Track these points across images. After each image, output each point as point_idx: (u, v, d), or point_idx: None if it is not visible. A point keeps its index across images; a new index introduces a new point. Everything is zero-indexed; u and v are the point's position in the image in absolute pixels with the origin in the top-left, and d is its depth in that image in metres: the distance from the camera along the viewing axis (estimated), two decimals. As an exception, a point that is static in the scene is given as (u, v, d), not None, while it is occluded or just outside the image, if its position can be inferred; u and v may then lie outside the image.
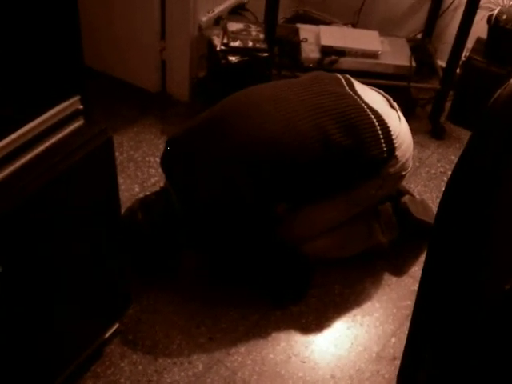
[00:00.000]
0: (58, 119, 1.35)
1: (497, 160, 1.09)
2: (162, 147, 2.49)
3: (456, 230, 1.28)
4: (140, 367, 1.85)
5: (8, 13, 1.18)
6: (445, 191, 1.28)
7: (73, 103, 1.37)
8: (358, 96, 2.01)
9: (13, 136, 1.28)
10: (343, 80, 2.08)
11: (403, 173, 2.04)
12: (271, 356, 1.91)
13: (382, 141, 1.94)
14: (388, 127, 1.96)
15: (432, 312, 1.42)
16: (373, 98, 2.06)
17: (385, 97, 2.13)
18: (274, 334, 1.96)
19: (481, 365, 1.40)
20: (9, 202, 1.27)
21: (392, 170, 1.98)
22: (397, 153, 1.97)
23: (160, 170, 2.36)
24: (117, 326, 1.90)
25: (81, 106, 1.39)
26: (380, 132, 1.94)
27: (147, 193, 2.27)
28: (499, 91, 1.09)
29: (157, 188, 2.26)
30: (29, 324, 1.47)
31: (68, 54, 1.32)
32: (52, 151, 1.34)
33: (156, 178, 2.40)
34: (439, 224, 1.30)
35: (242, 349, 1.92)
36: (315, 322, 2.01)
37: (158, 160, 2.45)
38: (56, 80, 1.32)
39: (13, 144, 1.28)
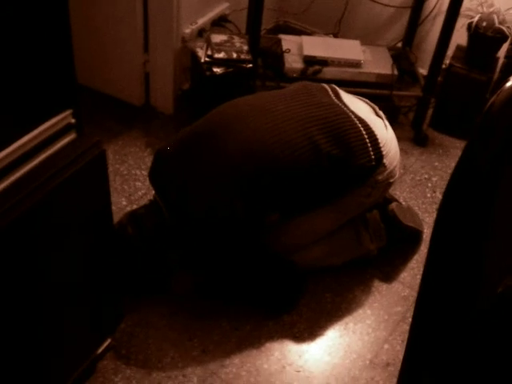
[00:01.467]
0: (50, 133, 1.34)
1: (495, 166, 1.10)
2: (147, 160, 2.50)
3: (454, 234, 1.29)
4: (134, 382, 1.83)
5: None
6: (443, 198, 1.29)
7: (65, 117, 1.36)
8: (345, 105, 2.03)
9: (6, 151, 1.26)
10: (329, 90, 2.09)
11: (391, 180, 2.05)
12: (265, 366, 1.90)
13: (370, 149, 1.96)
14: (375, 135, 1.98)
15: (431, 317, 1.43)
16: (359, 107, 2.08)
17: (371, 106, 2.15)
18: (267, 345, 1.96)
19: (479, 368, 1.41)
20: (3, 216, 1.25)
21: (380, 177, 2.00)
22: (385, 160, 1.99)
23: (147, 182, 2.37)
24: (109, 341, 1.88)
25: (73, 120, 1.38)
26: (368, 140, 1.96)
27: (135, 206, 2.26)
28: (493, 98, 1.10)
29: (144, 201, 2.25)
30: (21, 341, 1.45)
31: (60, 68, 1.31)
32: (46, 165, 1.33)
33: (143, 191, 2.39)
34: (438, 229, 1.31)
35: (236, 360, 1.91)
36: (308, 331, 2.01)
37: (144, 173, 2.45)
38: (48, 94, 1.31)
39: (6, 159, 1.27)
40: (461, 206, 1.20)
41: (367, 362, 1.95)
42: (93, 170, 1.41)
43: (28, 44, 1.24)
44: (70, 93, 1.36)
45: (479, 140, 1.10)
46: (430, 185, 2.59)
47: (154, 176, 2.00)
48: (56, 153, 1.36)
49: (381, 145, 1.97)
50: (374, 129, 1.99)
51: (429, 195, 2.53)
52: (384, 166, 1.99)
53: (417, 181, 2.61)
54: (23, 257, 1.34)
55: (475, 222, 1.20)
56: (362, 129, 1.95)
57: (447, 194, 1.20)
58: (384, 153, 1.98)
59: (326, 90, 2.07)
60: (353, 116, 1.97)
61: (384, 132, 2.03)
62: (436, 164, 2.69)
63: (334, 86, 2.12)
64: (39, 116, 1.32)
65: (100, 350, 1.85)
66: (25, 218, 1.29)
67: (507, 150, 1.08)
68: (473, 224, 1.21)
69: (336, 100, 2.03)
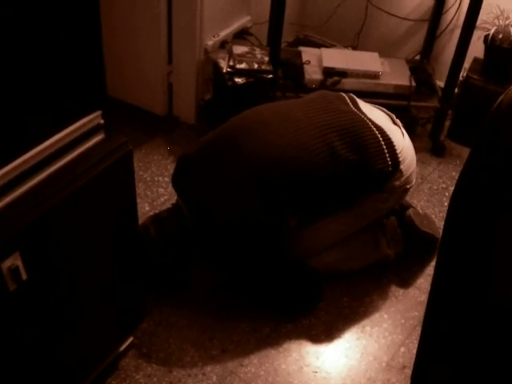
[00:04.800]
0: (80, 133, 1.41)
1: (504, 164, 1.14)
2: (170, 168, 2.56)
3: (464, 237, 1.32)
4: (155, 379, 1.88)
5: (34, 32, 1.24)
6: (452, 196, 1.33)
7: (95, 118, 1.43)
8: (363, 113, 2.08)
9: (38, 149, 1.33)
10: (347, 98, 2.14)
11: (408, 186, 2.10)
12: (283, 367, 1.95)
13: (387, 155, 2.01)
14: (392, 142, 2.03)
15: (443, 316, 1.46)
16: (376, 115, 2.13)
17: (388, 114, 2.20)
18: (285, 346, 2.00)
19: (490, 365, 1.44)
20: (33, 213, 1.31)
21: (397, 183, 2.04)
22: (401, 166, 2.03)
23: (169, 189, 2.43)
24: (131, 339, 1.94)
25: (102, 121, 1.45)
26: (384, 147, 2.01)
27: (157, 211, 2.32)
28: (501, 97, 1.14)
29: (167, 206, 2.31)
30: (46, 337, 1.51)
31: (90, 70, 1.38)
32: (75, 163, 1.40)
33: (165, 197, 2.45)
34: (448, 232, 1.34)
35: (255, 360, 1.95)
36: (325, 334, 2.05)
37: (166, 180, 2.52)
38: (79, 96, 1.38)
39: (37, 157, 1.33)
40: (469, 204, 1.24)
41: (383, 365, 1.98)
42: (120, 168, 1.48)
43: (61, 48, 1.31)
44: (100, 95, 1.43)
45: (488, 137, 1.14)
46: (447, 194, 2.62)
47: (177, 180, 2.06)
48: (85, 151, 1.43)
49: (398, 151, 2.02)
50: (391, 136, 2.03)
51: (446, 204, 2.56)
52: (401, 171, 2.03)
53: (434, 190, 2.64)
54: (49, 254, 1.39)
55: (484, 222, 1.23)
56: (379, 135, 2.00)
57: (456, 192, 1.24)
58: (401, 159, 2.02)
59: (345, 99, 2.13)
60: (370, 123, 2.02)
61: (401, 139, 2.07)
62: (453, 174, 2.73)
63: (351, 94, 2.17)
64: (70, 116, 1.38)
65: (122, 348, 1.91)
66: (53, 214, 1.35)
67: (517, 146, 1.12)
68: (481, 224, 1.24)
69: (354, 108, 2.09)
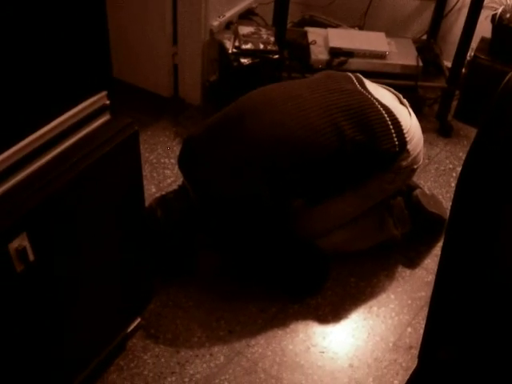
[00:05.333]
0: (86, 114, 1.40)
1: (511, 143, 1.14)
2: (176, 149, 2.56)
3: (471, 217, 1.31)
4: (162, 360, 1.89)
5: (39, 12, 1.23)
6: (459, 177, 1.33)
7: (100, 98, 1.42)
8: (369, 93, 2.07)
9: (43, 130, 1.33)
10: (354, 78, 2.13)
11: (415, 166, 2.09)
12: (290, 347, 1.95)
13: (394, 135, 2.00)
14: (399, 122, 2.02)
15: (450, 296, 1.46)
16: (383, 94, 2.12)
17: (395, 94, 2.19)
18: (292, 326, 2.01)
19: (497, 345, 1.45)
20: (40, 194, 1.31)
21: (404, 163, 2.04)
22: (408, 146, 2.02)
23: (175, 170, 2.43)
24: (139, 320, 1.94)
25: (107, 101, 1.44)
26: (391, 127, 2.00)
27: (163, 193, 2.32)
28: (508, 76, 1.13)
29: (173, 188, 2.31)
30: (54, 318, 1.52)
31: (96, 51, 1.37)
32: (81, 144, 1.40)
33: (172, 179, 2.45)
34: (455, 212, 1.34)
35: (262, 341, 1.96)
36: (332, 314, 2.05)
37: (172, 161, 2.51)
38: (84, 76, 1.38)
39: (43, 138, 1.33)
40: (477, 185, 1.24)
41: (390, 345, 1.98)
42: (126, 149, 1.47)
43: (66, 28, 1.30)
44: (105, 75, 1.43)
45: (495, 117, 1.14)
46: (454, 175, 2.61)
47: (183, 161, 2.06)
48: (91, 132, 1.43)
49: (404, 131, 2.01)
50: (398, 116, 2.02)
51: (453, 185, 2.55)
52: (408, 151, 2.02)
53: (441, 171, 2.63)
54: (56, 235, 1.40)
55: (491, 203, 1.22)
56: (385, 115, 1.99)
57: (463, 173, 1.23)
58: (408, 139, 2.01)
59: (351, 78, 2.11)
60: (377, 103, 2.01)
61: (408, 119, 2.06)
62: (460, 154, 2.71)
63: (358, 74, 2.16)
64: (75, 97, 1.38)
65: (130, 329, 1.92)
66: (60, 194, 1.35)
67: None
68: (489, 205, 1.23)
69: (360, 87, 2.07)
